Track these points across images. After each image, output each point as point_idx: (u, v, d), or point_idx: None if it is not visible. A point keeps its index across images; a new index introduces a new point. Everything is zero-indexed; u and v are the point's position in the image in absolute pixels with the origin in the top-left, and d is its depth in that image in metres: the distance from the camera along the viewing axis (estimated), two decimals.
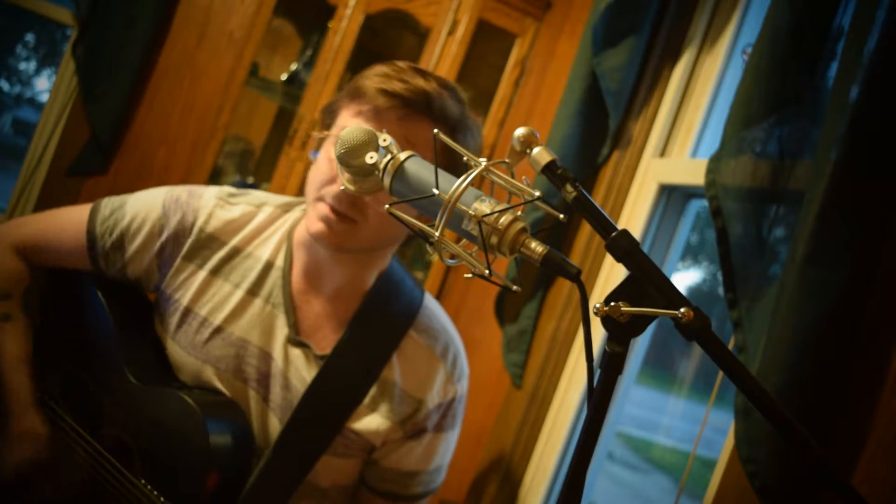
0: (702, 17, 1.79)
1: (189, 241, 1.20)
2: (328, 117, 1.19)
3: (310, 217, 1.15)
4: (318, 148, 1.21)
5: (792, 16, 1.11)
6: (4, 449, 1.15)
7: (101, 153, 2.25)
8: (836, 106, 0.97)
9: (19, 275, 1.23)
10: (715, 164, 1.20)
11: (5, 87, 3.29)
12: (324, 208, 1.12)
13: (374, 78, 1.12)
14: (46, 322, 1.26)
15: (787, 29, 1.11)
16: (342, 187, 0.80)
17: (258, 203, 1.26)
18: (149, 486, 1.08)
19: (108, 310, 1.21)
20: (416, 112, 1.10)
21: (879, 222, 0.94)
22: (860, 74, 0.92)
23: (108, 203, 1.24)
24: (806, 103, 1.10)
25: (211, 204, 1.22)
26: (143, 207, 1.22)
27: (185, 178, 2.27)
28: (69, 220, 1.24)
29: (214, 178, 2.42)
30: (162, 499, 1.07)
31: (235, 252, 1.21)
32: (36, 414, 1.18)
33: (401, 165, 0.75)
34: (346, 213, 1.11)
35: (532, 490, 1.78)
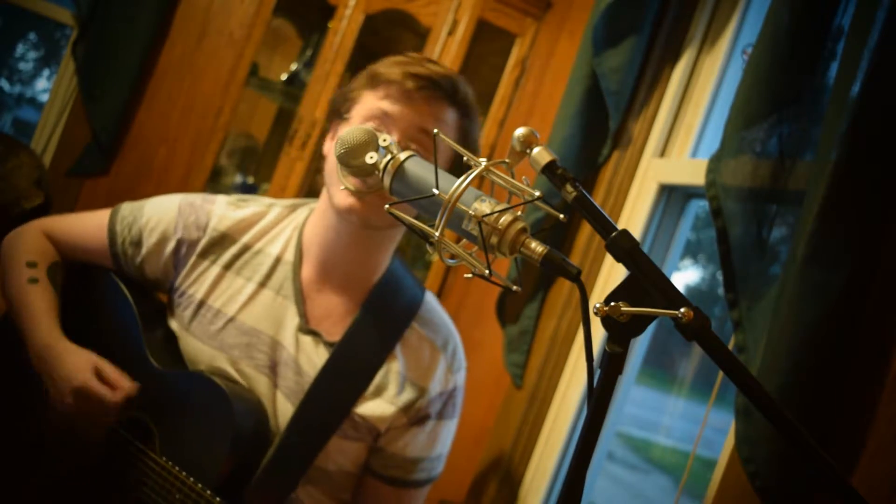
0: (702, 17, 1.79)
1: (204, 240, 1.28)
2: (344, 106, 1.24)
3: (337, 196, 1.19)
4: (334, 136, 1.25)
5: (792, 16, 1.11)
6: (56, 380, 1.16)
7: (101, 154, 2.25)
8: (836, 106, 0.97)
9: (45, 249, 1.33)
10: (715, 164, 1.20)
11: (6, 86, 3.29)
12: (354, 182, 1.14)
13: (396, 65, 1.19)
14: (68, 307, 1.29)
15: (787, 29, 1.11)
16: (342, 187, 0.80)
17: (267, 204, 1.35)
18: (170, 463, 1.13)
19: (131, 299, 1.28)
20: (441, 94, 1.18)
21: (879, 222, 0.94)
22: (860, 74, 0.92)
23: (128, 205, 1.35)
24: (806, 103, 1.09)
25: (223, 206, 1.32)
26: (160, 209, 1.32)
27: (185, 178, 2.27)
28: (91, 219, 1.36)
29: (214, 177, 2.42)
30: (184, 473, 1.11)
31: (246, 248, 1.29)
32: (72, 345, 1.21)
33: (401, 165, 0.75)
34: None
35: (532, 490, 1.78)
